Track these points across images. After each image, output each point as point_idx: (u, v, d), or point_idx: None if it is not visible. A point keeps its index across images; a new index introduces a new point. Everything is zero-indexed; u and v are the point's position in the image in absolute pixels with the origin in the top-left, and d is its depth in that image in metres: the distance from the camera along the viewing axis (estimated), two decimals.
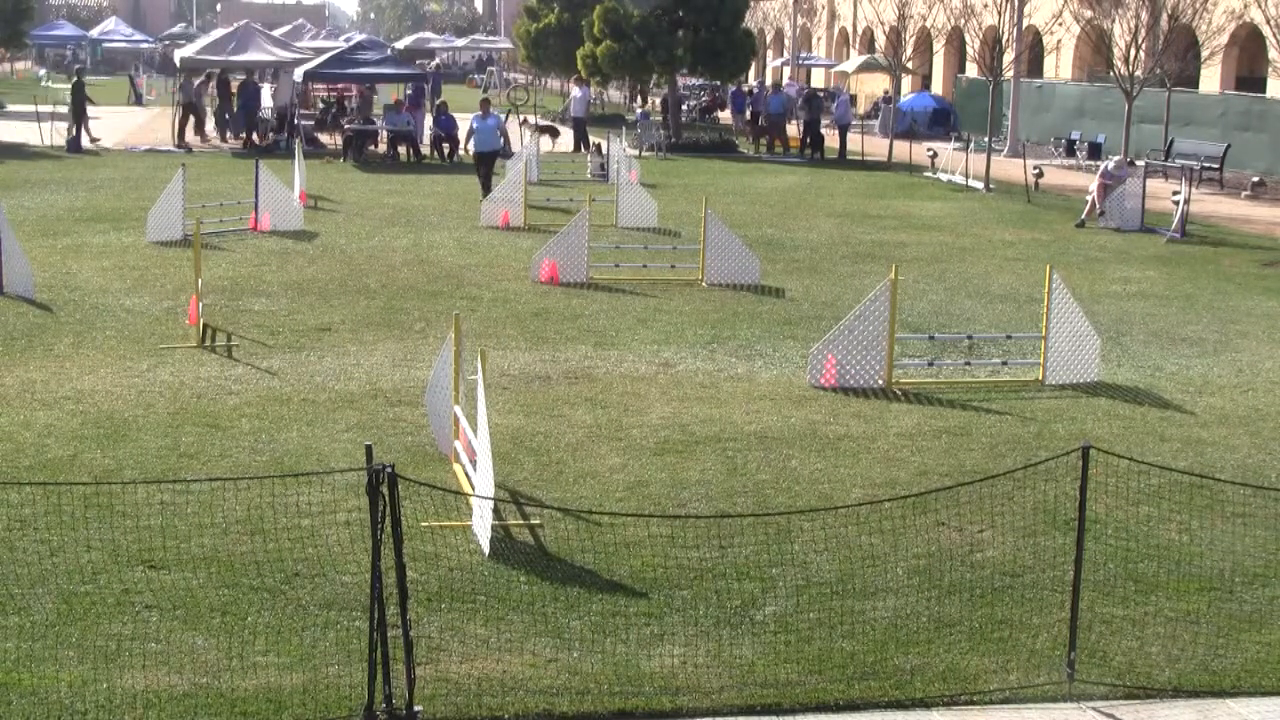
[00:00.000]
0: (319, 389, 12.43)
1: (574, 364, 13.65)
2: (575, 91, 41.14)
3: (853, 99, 48.23)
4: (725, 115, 51.98)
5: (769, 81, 58.26)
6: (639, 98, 57.24)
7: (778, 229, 23.84)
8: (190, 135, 37.26)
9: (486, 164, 26.65)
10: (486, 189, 25.46)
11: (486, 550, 8.55)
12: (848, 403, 12.49)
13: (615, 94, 63.14)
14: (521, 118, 41.87)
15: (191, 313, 14.57)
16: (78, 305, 15.83)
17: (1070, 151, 39.16)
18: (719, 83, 52.99)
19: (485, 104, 28.17)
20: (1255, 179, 33.07)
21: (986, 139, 33.74)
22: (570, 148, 37.41)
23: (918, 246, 22.40)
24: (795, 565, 8.50)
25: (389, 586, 6.46)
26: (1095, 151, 37.65)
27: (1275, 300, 18.42)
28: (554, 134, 37.72)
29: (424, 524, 8.79)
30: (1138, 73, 33.63)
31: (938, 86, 57.74)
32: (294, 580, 8.06)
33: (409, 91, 40.42)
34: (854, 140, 40.34)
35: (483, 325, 15.30)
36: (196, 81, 38.34)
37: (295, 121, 35.60)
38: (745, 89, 51.60)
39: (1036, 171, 30.93)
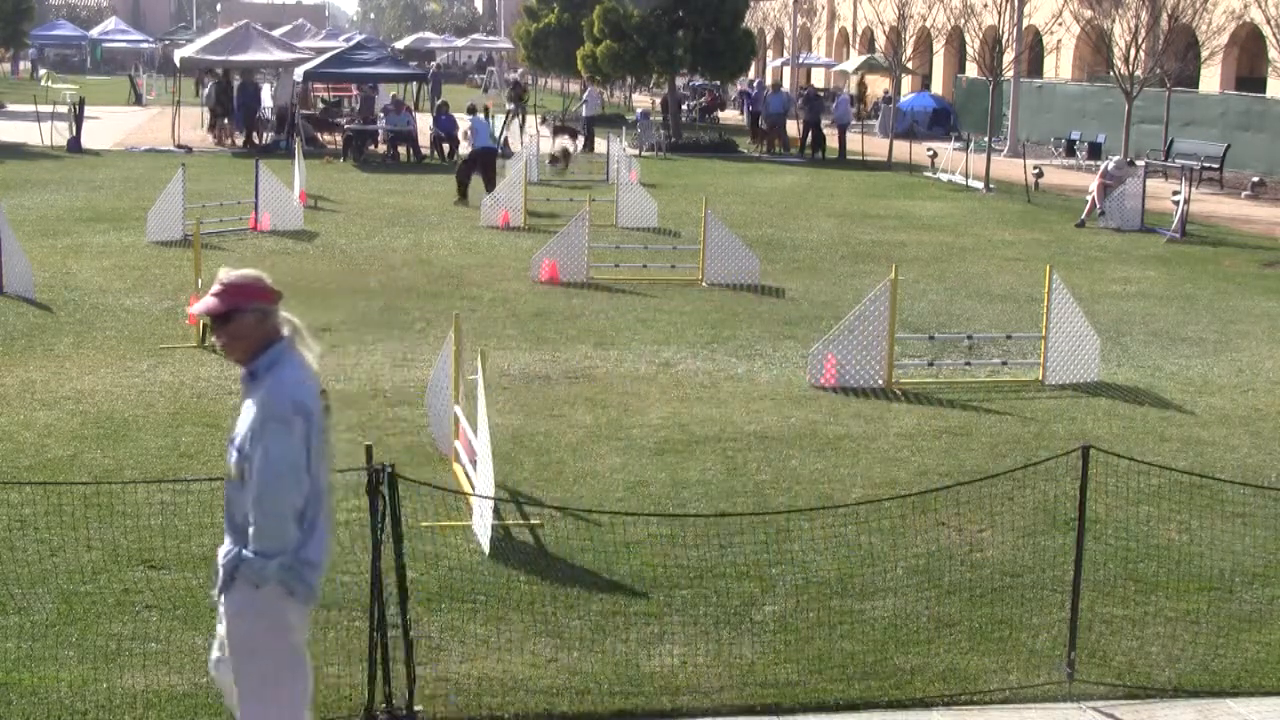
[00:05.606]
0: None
1: (574, 364, 13.65)
2: (584, 92, 41.12)
3: (852, 99, 48.24)
4: (725, 115, 51.95)
5: (769, 81, 58.27)
6: (630, 97, 57.26)
7: (778, 229, 23.84)
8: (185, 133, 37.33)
9: (487, 163, 26.40)
10: (490, 186, 25.26)
11: (486, 550, 8.55)
12: (848, 403, 12.49)
13: (615, 94, 63.12)
14: (540, 117, 41.80)
15: (191, 313, 14.57)
16: (78, 305, 15.82)
17: (1070, 151, 39.19)
18: (719, 83, 52.98)
19: (485, 107, 28.11)
20: (1255, 179, 33.08)
21: (986, 139, 33.76)
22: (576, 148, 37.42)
23: (918, 246, 22.40)
24: (795, 565, 8.50)
25: (389, 586, 6.46)
26: (1095, 151, 37.68)
27: (1275, 300, 18.42)
28: (574, 135, 37.36)
29: (424, 524, 8.79)
30: (1138, 73, 33.66)
31: (938, 86, 57.75)
32: None
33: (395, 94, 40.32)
34: (854, 140, 40.36)
35: (483, 325, 15.30)
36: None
37: (295, 121, 35.60)
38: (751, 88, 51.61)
39: (1036, 171, 30.93)
